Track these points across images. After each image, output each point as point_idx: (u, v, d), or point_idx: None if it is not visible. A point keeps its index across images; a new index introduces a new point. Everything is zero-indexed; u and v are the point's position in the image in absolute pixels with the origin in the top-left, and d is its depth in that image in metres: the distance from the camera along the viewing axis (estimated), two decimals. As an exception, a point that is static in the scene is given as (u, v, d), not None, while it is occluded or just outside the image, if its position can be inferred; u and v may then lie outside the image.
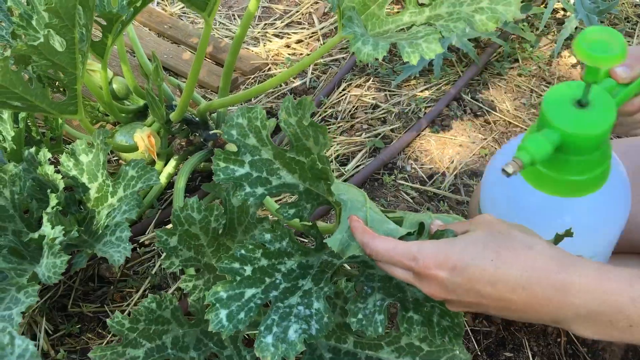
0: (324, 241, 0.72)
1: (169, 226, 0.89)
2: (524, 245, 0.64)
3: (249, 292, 0.74)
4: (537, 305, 0.62)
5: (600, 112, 0.75)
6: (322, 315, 0.73)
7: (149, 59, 1.48)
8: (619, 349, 1.12)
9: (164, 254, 0.88)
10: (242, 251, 0.75)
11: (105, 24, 1.15)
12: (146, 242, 1.31)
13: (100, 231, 1.03)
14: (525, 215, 0.85)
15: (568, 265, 0.62)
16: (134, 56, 1.73)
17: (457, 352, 0.81)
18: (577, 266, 0.62)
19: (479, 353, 1.11)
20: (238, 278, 0.74)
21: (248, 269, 0.75)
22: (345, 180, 1.39)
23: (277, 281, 0.76)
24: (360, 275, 0.78)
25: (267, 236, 0.77)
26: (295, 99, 1.65)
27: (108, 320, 0.84)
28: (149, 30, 1.97)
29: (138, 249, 1.29)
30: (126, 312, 1.18)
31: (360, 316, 0.75)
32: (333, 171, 1.41)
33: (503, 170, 0.74)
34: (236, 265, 0.74)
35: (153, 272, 1.24)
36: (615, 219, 0.88)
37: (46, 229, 0.97)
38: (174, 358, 0.89)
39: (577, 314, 0.61)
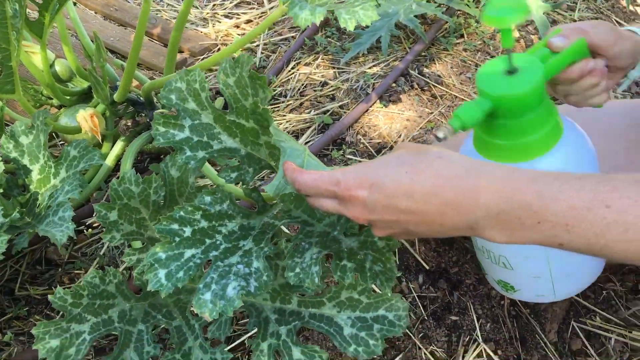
0: (263, 187, 0.73)
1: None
2: (436, 155, 0.65)
3: (188, 253, 0.74)
4: (451, 211, 0.63)
5: (526, 74, 0.79)
6: (262, 274, 0.74)
7: (92, 41, 1.46)
8: (560, 309, 1.16)
9: (105, 229, 0.88)
10: (181, 213, 0.75)
11: (41, 2, 1.13)
12: (94, 224, 1.29)
13: (43, 212, 1.02)
14: None
15: (476, 169, 0.64)
16: (78, 39, 1.71)
17: (394, 301, 0.83)
18: (485, 170, 0.63)
19: (426, 317, 1.13)
20: (177, 239, 0.74)
21: (187, 230, 0.75)
22: (294, 157, 1.40)
23: (218, 242, 0.77)
24: (299, 233, 0.80)
25: (207, 199, 0.78)
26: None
27: (50, 296, 0.84)
28: (95, 13, 1.94)
29: (85, 231, 1.28)
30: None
31: (297, 270, 0.77)
32: (282, 148, 1.42)
33: (434, 135, 0.78)
34: (175, 226, 0.75)
35: (101, 253, 1.24)
36: (589, 166, 0.89)
37: None
38: (121, 331, 0.89)
39: (489, 216, 0.62)
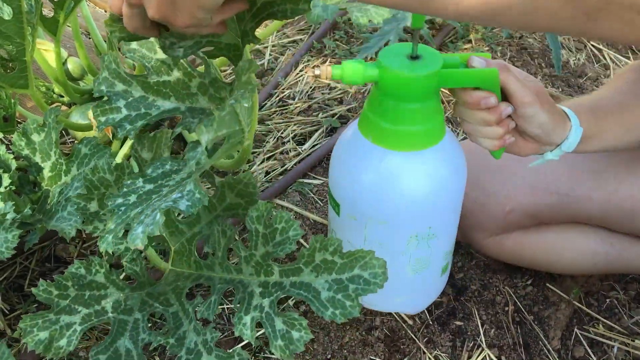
0: None
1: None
2: None
3: (134, 212, 0.75)
4: None
5: (422, 65, 0.79)
6: (194, 193, 0.73)
7: (104, 40, 1.47)
8: (564, 316, 1.18)
9: (84, 221, 0.88)
10: (124, 189, 0.77)
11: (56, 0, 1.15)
12: (103, 222, 1.31)
13: (53, 209, 1.04)
14: (363, 170, 0.88)
15: None
16: (89, 37, 1.72)
17: (369, 258, 0.80)
18: None
19: (431, 322, 1.15)
20: (123, 208, 0.75)
21: (133, 197, 0.76)
22: (301, 160, 1.41)
23: (163, 192, 0.77)
24: None
25: (149, 170, 0.80)
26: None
27: (33, 290, 0.84)
28: (105, 11, 1.95)
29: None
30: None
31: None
32: (290, 151, 1.43)
33: (312, 70, 0.80)
34: (119, 200, 0.76)
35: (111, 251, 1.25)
36: (445, 183, 0.90)
37: (9, 216, 0.97)
38: (115, 321, 0.90)
39: None
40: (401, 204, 0.89)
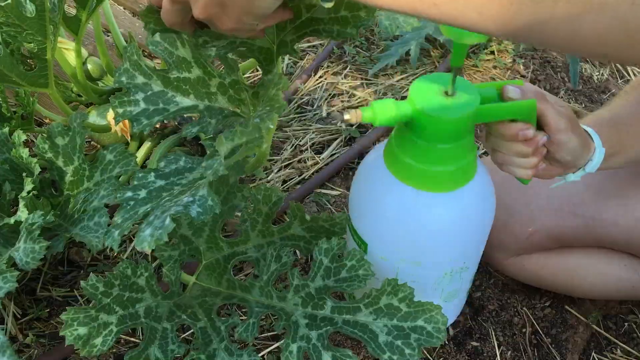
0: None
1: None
2: None
3: (142, 209, 0.74)
4: None
5: (459, 104, 0.74)
6: (206, 199, 0.71)
7: (124, 40, 1.45)
8: (581, 340, 1.16)
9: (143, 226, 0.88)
10: (134, 182, 0.77)
11: (79, -1, 1.14)
12: (118, 226, 1.29)
13: (76, 215, 1.02)
14: (393, 211, 0.84)
15: None
16: (109, 36, 1.70)
17: (435, 313, 0.81)
18: None
19: (446, 342, 1.13)
20: (132, 202, 0.75)
21: (143, 193, 0.76)
22: (319, 170, 1.39)
23: (175, 191, 0.76)
24: None
25: (161, 163, 0.79)
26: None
27: (82, 282, 0.83)
28: (124, 9, 1.93)
29: (109, 233, 1.28)
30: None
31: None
32: (308, 160, 1.42)
33: (341, 113, 0.77)
34: (129, 194, 0.76)
35: (125, 256, 1.24)
36: (479, 221, 0.88)
37: (22, 214, 0.95)
38: (147, 327, 0.89)
39: None
40: (436, 246, 0.86)
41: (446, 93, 0.75)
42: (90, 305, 0.86)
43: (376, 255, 0.90)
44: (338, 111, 0.68)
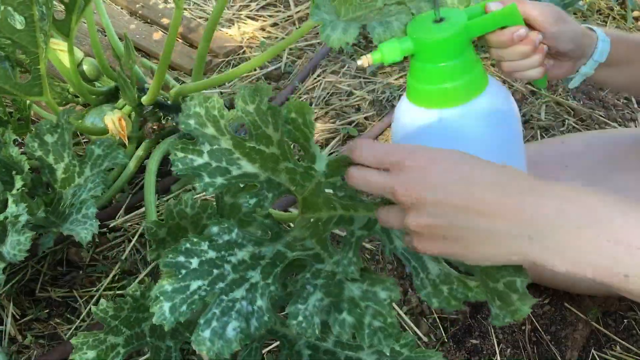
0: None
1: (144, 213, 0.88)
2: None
3: (195, 285, 0.72)
4: (510, 207, 0.57)
5: (450, 23, 0.84)
6: (263, 314, 0.73)
7: (120, 39, 1.45)
8: (581, 337, 1.16)
9: (152, 246, 0.88)
10: (187, 245, 0.74)
11: (67, 1, 1.13)
12: (116, 227, 1.29)
13: (67, 211, 1.02)
14: (424, 136, 0.89)
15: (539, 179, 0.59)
16: (105, 35, 1.70)
17: (435, 358, 0.82)
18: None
19: (446, 340, 1.13)
20: (183, 271, 0.73)
21: (194, 262, 0.74)
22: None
23: (225, 272, 0.75)
24: (306, 272, 0.78)
25: (215, 229, 0.76)
26: (269, 83, 1.65)
27: (93, 308, 0.83)
28: (121, 8, 1.93)
29: (108, 233, 1.28)
30: (95, 297, 1.17)
31: (300, 318, 0.75)
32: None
33: (355, 61, 0.83)
34: (181, 258, 0.73)
35: (123, 257, 1.24)
36: (490, 136, 0.89)
37: (11, 210, 0.95)
38: (152, 346, 0.89)
39: (553, 226, 0.55)
40: (478, 151, 0.89)
41: (436, 21, 0.85)
42: (84, 326, 0.85)
43: None
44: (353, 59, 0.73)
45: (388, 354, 0.78)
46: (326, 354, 0.87)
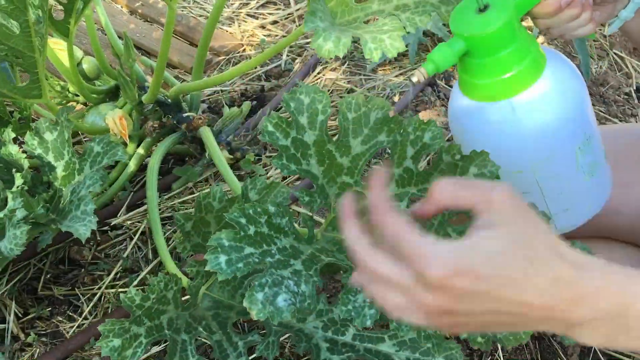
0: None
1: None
2: (552, 253, 0.55)
3: (248, 250, 0.75)
4: (558, 310, 0.53)
5: (496, 11, 0.80)
6: (306, 299, 0.75)
7: (119, 38, 1.45)
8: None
9: (180, 238, 0.89)
10: (251, 211, 0.77)
11: (65, 1, 1.13)
12: (118, 225, 1.30)
13: (66, 208, 1.02)
14: (485, 130, 0.88)
15: (587, 269, 0.55)
16: (105, 34, 1.70)
17: (454, 351, 0.83)
18: (597, 270, 0.55)
19: (448, 336, 1.13)
20: (242, 233, 0.76)
21: (252, 229, 0.76)
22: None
23: (273, 251, 0.78)
24: (350, 271, 0.80)
25: (272, 209, 0.79)
26: (269, 81, 1.65)
27: (122, 296, 0.85)
28: (121, 7, 1.93)
29: (109, 232, 1.28)
30: (97, 295, 1.18)
31: (350, 307, 0.77)
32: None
33: (409, 80, 0.82)
34: (243, 220, 0.76)
35: (125, 255, 1.24)
36: (568, 105, 0.88)
37: (10, 206, 0.95)
38: (170, 339, 0.90)
39: (596, 319, 0.54)
40: (559, 130, 0.88)
41: (480, 10, 0.80)
42: (86, 324, 0.85)
43: (510, 174, 0.90)
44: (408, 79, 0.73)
45: (456, 353, 0.81)
46: (344, 347, 0.88)
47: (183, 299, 0.94)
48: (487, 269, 0.52)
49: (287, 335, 1.02)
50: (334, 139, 0.86)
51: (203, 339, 1.06)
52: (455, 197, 0.56)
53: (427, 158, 1.41)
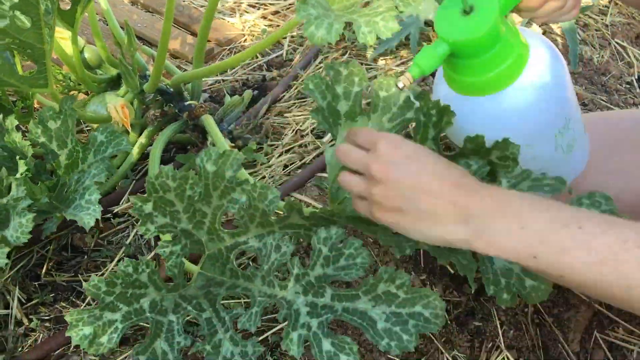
0: None
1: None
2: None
3: None
4: (448, 195, 0.71)
5: (481, 14, 0.79)
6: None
7: (121, 27, 1.45)
8: (583, 319, 1.16)
9: (140, 221, 0.88)
10: None
11: (73, -9, 1.13)
12: (120, 212, 1.30)
13: (70, 196, 1.03)
14: (468, 119, 0.90)
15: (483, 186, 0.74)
16: (106, 23, 1.71)
17: (432, 298, 0.83)
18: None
19: (449, 322, 1.13)
20: None
21: None
22: (320, 154, 1.40)
23: None
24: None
25: None
26: (271, 71, 1.65)
27: (84, 284, 0.85)
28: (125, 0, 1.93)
29: (112, 219, 1.29)
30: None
31: (342, 262, 0.86)
32: (309, 144, 1.42)
33: (395, 85, 0.87)
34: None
35: (127, 242, 1.24)
36: (548, 95, 0.89)
37: (13, 194, 0.96)
38: (153, 321, 0.90)
39: (477, 214, 0.70)
40: (539, 119, 0.89)
41: (465, 12, 0.80)
42: (85, 304, 0.86)
43: None
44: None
45: (434, 300, 0.82)
46: (324, 309, 0.88)
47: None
48: (416, 153, 0.74)
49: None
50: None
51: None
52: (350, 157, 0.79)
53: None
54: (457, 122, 0.89)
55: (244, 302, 1.12)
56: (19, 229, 0.93)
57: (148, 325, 0.94)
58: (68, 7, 1.17)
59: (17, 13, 1.03)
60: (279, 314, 0.90)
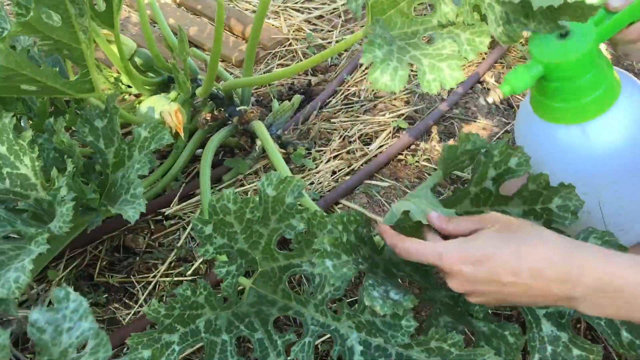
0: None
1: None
2: (536, 236, 0.73)
3: (344, 257, 0.80)
4: (554, 288, 0.70)
5: (578, 39, 0.80)
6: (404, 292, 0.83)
7: (172, 31, 1.47)
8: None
9: (199, 242, 0.89)
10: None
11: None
12: (171, 215, 1.31)
13: (117, 193, 1.04)
14: (554, 151, 0.89)
15: (575, 250, 0.72)
16: (155, 27, 1.72)
17: (487, 357, 0.82)
18: (584, 252, 0.71)
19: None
20: (338, 240, 0.81)
21: (344, 237, 0.84)
22: (368, 160, 1.39)
23: (360, 260, 0.84)
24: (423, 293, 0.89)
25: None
26: (316, 75, 1.65)
27: (144, 309, 0.86)
28: (176, 1, 1.95)
29: (164, 221, 1.30)
30: (152, 283, 1.19)
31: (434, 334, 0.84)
32: (356, 151, 1.42)
33: (485, 100, 0.86)
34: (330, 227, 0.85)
35: (179, 244, 1.25)
36: (638, 132, 0.88)
37: (62, 191, 0.97)
38: (207, 341, 0.91)
39: (587, 293, 0.69)
40: (628, 156, 0.89)
41: (561, 35, 0.80)
42: (142, 313, 0.87)
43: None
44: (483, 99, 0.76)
45: (489, 359, 0.81)
46: (377, 350, 0.88)
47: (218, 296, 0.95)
48: (483, 254, 0.72)
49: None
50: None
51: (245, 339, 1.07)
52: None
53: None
54: (539, 151, 0.88)
55: (294, 327, 1.11)
56: (61, 218, 0.93)
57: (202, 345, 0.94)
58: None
59: (48, 11, 1.03)
60: (333, 350, 0.91)
